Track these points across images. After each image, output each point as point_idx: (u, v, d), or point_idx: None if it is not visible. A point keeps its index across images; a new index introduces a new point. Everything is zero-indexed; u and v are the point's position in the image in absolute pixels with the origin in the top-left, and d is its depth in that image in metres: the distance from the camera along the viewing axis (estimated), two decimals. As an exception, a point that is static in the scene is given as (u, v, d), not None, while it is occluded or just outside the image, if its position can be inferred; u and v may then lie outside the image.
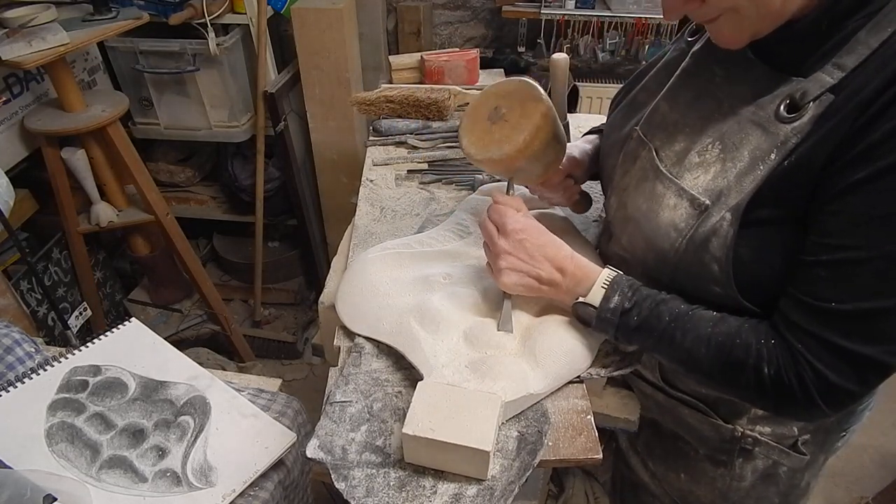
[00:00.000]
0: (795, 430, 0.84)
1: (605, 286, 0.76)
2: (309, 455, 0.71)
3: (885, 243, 0.58)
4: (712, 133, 0.71)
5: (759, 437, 0.85)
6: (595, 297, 0.77)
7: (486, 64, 1.75)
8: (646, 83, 0.85)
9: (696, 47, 0.77)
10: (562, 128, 0.84)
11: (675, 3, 0.64)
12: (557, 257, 0.79)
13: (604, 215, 1.16)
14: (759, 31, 0.64)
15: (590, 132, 1.07)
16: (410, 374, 0.81)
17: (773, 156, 0.64)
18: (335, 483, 0.68)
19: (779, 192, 0.64)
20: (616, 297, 0.75)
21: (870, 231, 0.58)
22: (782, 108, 0.64)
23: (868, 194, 0.58)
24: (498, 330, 0.82)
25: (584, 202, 1.05)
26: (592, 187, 1.26)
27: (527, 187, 1.01)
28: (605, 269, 0.79)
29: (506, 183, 0.88)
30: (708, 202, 0.68)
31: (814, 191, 0.62)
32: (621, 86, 0.99)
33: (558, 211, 1.09)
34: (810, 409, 0.65)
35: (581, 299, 0.78)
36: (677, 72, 0.78)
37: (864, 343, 0.61)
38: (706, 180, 0.70)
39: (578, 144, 1.00)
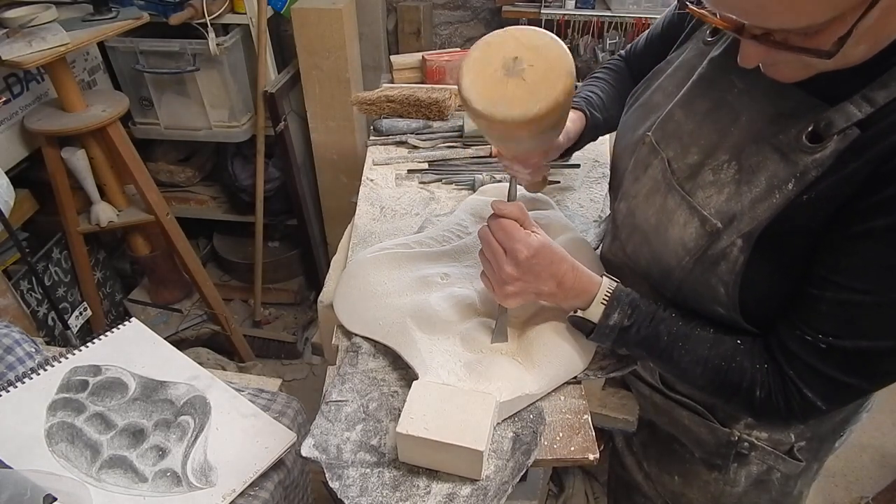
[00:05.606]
0: (792, 436, 0.84)
1: (605, 302, 0.75)
2: (303, 454, 0.71)
3: (892, 291, 0.57)
4: (728, 149, 0.67)
5: (755, 441, 0.85)
6: (594, 313, 0.75)
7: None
8: (662, 83, 0.81)
9: (714, 52, 0.73)
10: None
11: (755, 54, 0.58)
12: (559, 272, 0.76)
13: (603, 215, 1.16)
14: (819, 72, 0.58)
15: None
16: (407, 374, 0.81)
17: (790, 185, 0.61)
18: (329, 482, 0.69)
19: (795, 226, 0.62)
20: (616, 315, 0.74)
21: (881, 278, 0.57)
22: (804, 136, 0.60)
23: (887, 244, 0.56)
24: (492, 343, 0.82)
25: (542, 183, 1.01)
26: (592, 188, 1.26)
27: (499, 159, 0.93)
28: (604, 278, 0.77)
29: (506, 184, 0.87)
30: (720, 225, 0.66)
31: (830, 227, 0.60)
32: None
33: (557, 211, 1.09)
34: (788, 422, 0.68)
35: (580, 314, 0.76)
36: (694, 77, 0.74)
37: (855, 376, 0.62)
38: (719, 201, 0.67)
39: None
